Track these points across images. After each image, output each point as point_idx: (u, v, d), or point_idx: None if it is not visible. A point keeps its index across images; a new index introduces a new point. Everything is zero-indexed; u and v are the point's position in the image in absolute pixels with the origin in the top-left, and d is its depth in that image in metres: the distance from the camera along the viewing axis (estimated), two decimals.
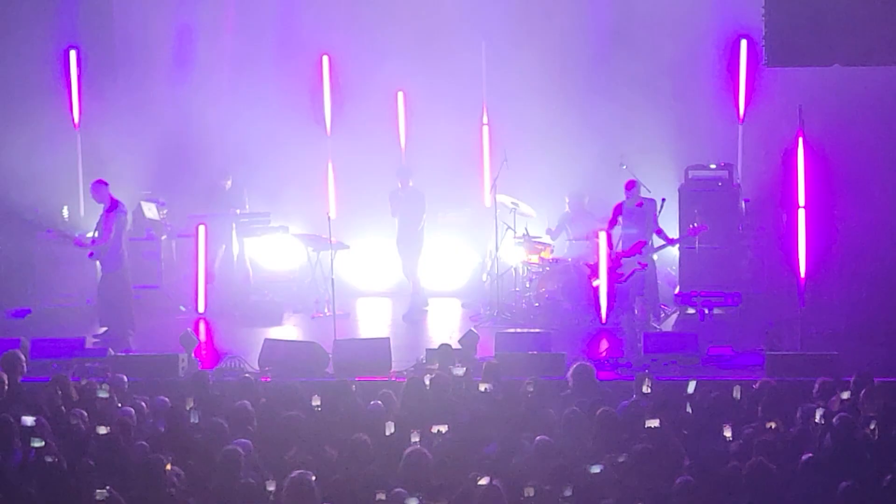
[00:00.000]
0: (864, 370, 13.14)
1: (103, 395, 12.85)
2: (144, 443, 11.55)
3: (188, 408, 12.31)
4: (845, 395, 12.43)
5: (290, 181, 20.82)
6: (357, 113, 20.28)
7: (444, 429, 11.62)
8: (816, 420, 11.72)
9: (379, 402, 12.49)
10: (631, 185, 17.29)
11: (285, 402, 12.77)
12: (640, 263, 17.00)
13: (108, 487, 10.06)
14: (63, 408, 12.71)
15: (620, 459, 10.74)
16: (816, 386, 12.69)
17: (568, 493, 10.09)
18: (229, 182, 19.20)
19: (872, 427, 11.36)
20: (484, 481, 10.01)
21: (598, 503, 10.08)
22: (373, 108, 20.41)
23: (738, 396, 12.78)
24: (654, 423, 11.47)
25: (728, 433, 11.48)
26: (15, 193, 18.88)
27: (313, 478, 10.12)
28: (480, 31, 20.00)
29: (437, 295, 19.39)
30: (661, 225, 17.16)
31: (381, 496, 9.97)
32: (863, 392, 12.39)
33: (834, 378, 13.14)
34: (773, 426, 11.63)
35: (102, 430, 11.60)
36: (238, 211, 19.12)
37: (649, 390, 12.93)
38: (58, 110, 19.51)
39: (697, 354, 15.51)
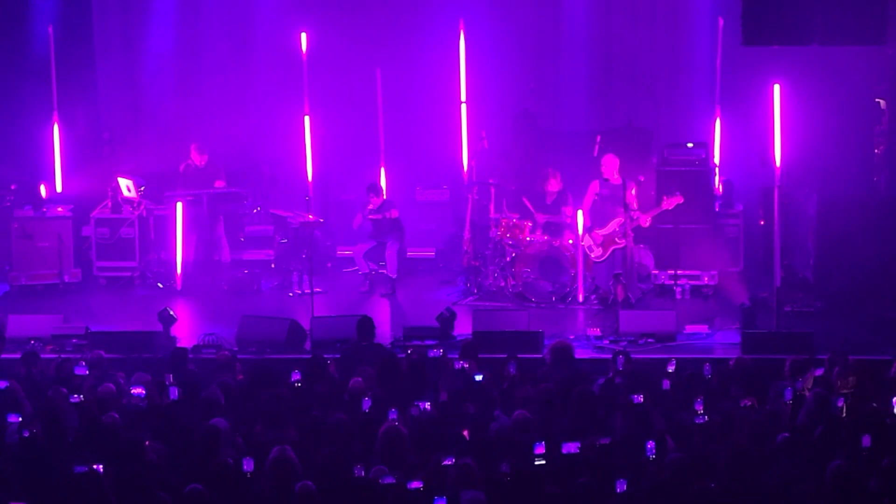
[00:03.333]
0: (837, 348, 13.22)
1: (81, 371, 12.87)
2: (122, 419, 11.55)
3: (167, 384, 12.33)
4: (818, 372, 12.50)
5: (267, 158, 20.82)
6: (335, 91, 20.27)
7: (426, 406, 11.65)
8: (787, 399, 11.78)
9: (356, 378, 12.51)
10: (607, 163, 17.33)
11: (263, 379, 12.79)
12: (617, 241, 17.06)
13: (97, 465, 10.04)
14: (40, 384, 12.72)
15: (602, 442, 10.75)
16: (787, 364, 12.73)
17: (541, 461, 10.14)
18: (205, 159, 19.15)
19: (840, 405, 11.39)
20: (448, 462, 10.03)
21: (574, 481, 10.12)
22: (351, 86, 20.40)
23: (713, 375, 12.82)
24: (636, 398, 11.54)
25: (701, 410, 11.51)
26: None
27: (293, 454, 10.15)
28: (458, 8, 19.98)
29: (415, 258, 19.45)
30: (638, 204, 17.21)
31: (360, 473, 9.98)
32: (836, 369, 12.45)
33: (809, 356, 13.22)
34: (748, 404, 11.70)
35: (77, 402, 11.63)
36: (215, 188, 19.08)
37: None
38: (35, 88, 19.42)
39: (674, 333, 15.61)
